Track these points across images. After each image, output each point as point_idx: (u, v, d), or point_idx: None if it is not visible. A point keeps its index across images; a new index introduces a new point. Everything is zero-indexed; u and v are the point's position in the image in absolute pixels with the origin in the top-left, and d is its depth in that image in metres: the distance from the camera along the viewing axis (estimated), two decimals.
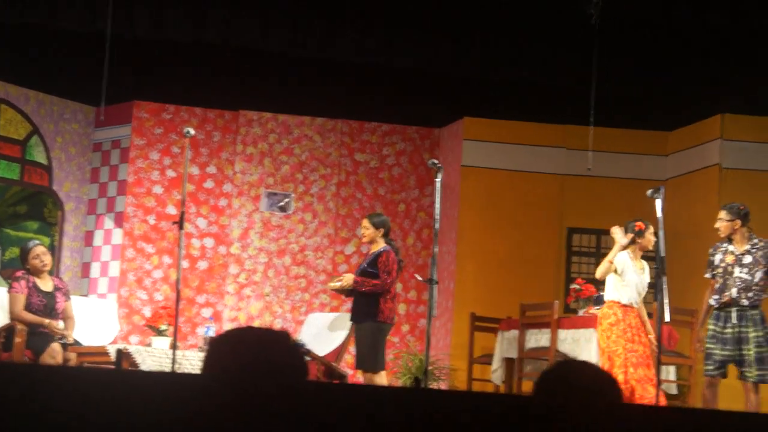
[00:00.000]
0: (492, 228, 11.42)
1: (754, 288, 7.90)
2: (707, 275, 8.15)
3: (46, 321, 8.68)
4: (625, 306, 8.16)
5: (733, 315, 7.91)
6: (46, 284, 8.98)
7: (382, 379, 8.38)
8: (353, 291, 8.65)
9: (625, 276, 8.14)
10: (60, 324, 8.79)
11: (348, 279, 8.62)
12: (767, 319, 7.95)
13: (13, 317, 8.66)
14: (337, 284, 8.77)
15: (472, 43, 9.81)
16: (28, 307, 8.76)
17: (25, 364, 6.86)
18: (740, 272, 7.95)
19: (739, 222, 8.03)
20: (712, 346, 7.96)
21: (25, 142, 11.66)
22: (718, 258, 8.07)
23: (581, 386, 2.72)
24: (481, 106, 11.46)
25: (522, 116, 11.50)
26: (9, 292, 8.76)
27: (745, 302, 7.89)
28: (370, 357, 8.40)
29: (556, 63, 9.98)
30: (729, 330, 7.91)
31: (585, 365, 2.92)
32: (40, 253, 9.06)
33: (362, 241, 9.28)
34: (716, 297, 8.02)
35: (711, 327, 8.00)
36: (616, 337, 8.08)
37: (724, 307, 7.95)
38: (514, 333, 9.74)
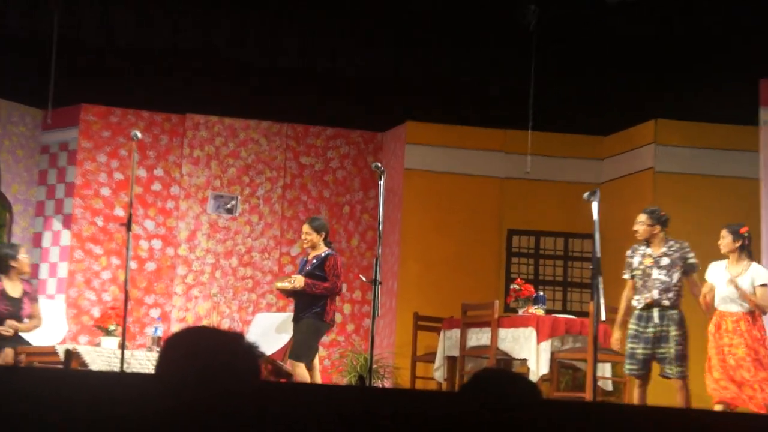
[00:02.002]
0: (434, 230, 11.46)
1: (673, 289, 8.06)
2: (626, 276, 8.29)
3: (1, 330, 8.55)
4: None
5: (655, 315, 8.05)
6: (15, 289, 8.87)
7: (302, 370, 8.45)
8: (297, 292, 8.71)
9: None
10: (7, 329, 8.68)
11: (299, 280, 8.66)
12: (685, 318, 8.12)
13: None
14: (287, 285, 8.80)
15: (414, 50, 9.85)
16: None
17: None
18: (659, 274, 8.10)
19: (658, 227, 8.18)
20: (634, 345, 8.10)
21: None
22: (636, 260, 8.21)
23: (500, 392, 2.79)
24: (423, 111, 11.49)
25: (463, 121, 11.54)
26: None
27: (666, 303, 8.05)
28: (302, 347, 8.53)
29: (496, 69, 10.04)
30: (650, 329, 8.05)
31: (507, 374, 2.99)
32: (26, 256, 9.01)
33: (304, 247, 9.31)
34: (638, 298, 8.16)
35: (633, 327, 8.13)
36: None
37: (647, 308, 8.09)
38: (456, 332, 9.78)
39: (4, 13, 9.09)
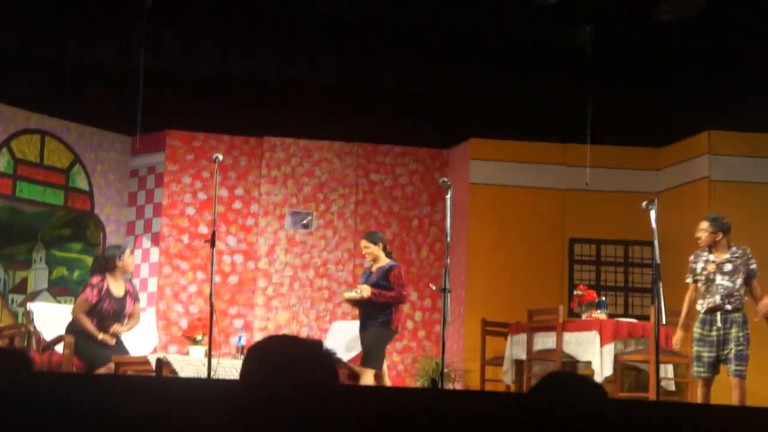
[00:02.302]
0: (499, 240, 11.41)
1: (735, 294, 7.92)
2: (688, 280, 8.16)
3: (100, 336, 8.61)
4: None
5: (718, 319, 7.93)
6: (119, 289, 8.92)
7: (370, 377, 8.44)
8: (363, 302, 8.72)
9: None
10: (109, 336, 8.75)
11: (366, 290, 8.66)
12: (748, 321, 7.98)
13: (74, 317, 8.61)
14: (354, 294, 8.81)
15: (478, 70, 9.83)
16: (99, 312, 8.66)
17: (76, 373, 6.92)
18: (722, 280, 7.96)
19: (721, 234, 8.04)
20: (699, 348, 7.98)
21: (68, 170, 11.72)
22: (699, 266, 8.08)
23: (566, 394, 2.75)
24: (486, 128, 11.46)
25: (524, 136, 11.48)
26: (81, 294, 8.69)
27: (729, 307, 7.91)
28: (370, 354, 8.52)
29: (555, 87, 9.98)
30: (714, 333, 7.93)
31: (573, 376, 2.95)
32: (131, 256, 9.08)
33: (366, 260, 9.31)
34: (701, 302, 8.04)
35: (698, 331, 8.02)
36: None
37: (710, 312, 7.97)
38: (522, 336, 9.73)
39: (95, 47, 9.22)
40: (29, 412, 2.12)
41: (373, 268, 8.93)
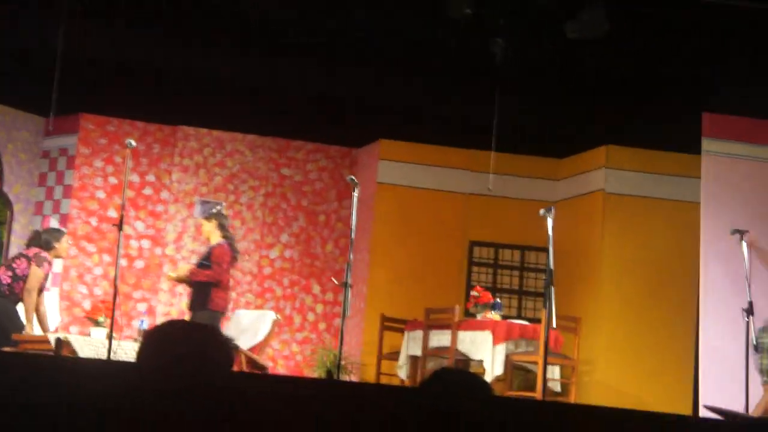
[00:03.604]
0: (402, 239, 11.46)
1: None
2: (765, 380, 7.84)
3: (27, 327, 8.37)
4: None
5: None
6: None
7: None
8: (186, 281, 8.64)
9: None
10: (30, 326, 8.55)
11: (183, 269, 8.61)
12: None
13: (29, 288, 8.34)
14: (172, 274, 8.77)
15: (390, 73, 9.85)
16: (40, 287, 8.48)
17: None
18: None
19: None
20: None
21: None
22: None
23: (456, 389, 2.79)
24: (396, 130, 11.50)
25: (432, 140, 11.55)
26: (39, 267, 8.42)
27: None
28: None
29: (463, 95, 10.04)
30: None
31: (462, 373, 2.99)
32: (66, 243, 8.87)
33: (203, 238, 9.14)
34: None
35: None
36: None
37: None
38: (419, 333, 9.78)
39: (12, 26, 9.02)
40: None
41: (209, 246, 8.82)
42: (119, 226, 7.62)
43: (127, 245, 11.46)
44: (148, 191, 11.78)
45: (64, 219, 11.53)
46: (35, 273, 8.40)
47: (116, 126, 11.79)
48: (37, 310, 8.50)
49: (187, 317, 8.48)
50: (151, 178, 11.81)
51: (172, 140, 11.90)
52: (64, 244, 8.78)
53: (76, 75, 9.72)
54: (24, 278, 8.39)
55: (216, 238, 8.66)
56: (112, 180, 11.69)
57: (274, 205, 12.01)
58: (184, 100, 11.15)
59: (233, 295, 11.67)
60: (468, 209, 11.62)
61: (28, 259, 8.46)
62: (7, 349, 8.05)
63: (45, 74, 9.25)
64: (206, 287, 8.41)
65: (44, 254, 8.53)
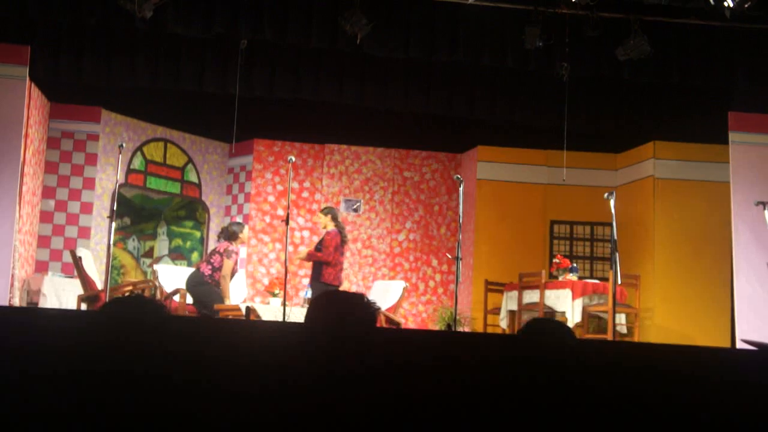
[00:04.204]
0: (498, 221, 11.37)
1: None
2: None
3: (227, 302, 8.50)
4: None
5: None
6: None
7: None
8: (307, 261, 8.56)
9: None
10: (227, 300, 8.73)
11: (303, 252, 8.61)
12: None
13: (223, 275, 8.43)
14: (294, 255, 8.79)
15: (485, 95, 9.78)
16: (232, 272, 8.57)
17: (192, 317, 6.97)
18: None
19: None
20: None
21: (183, 168, 11.80)
22: None
23: (546, 333, 2.76)
24: (490, 138, 11.41)
25: (518, 144, 11.43)
26: (229, 259, 8.51)
27: None
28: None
29: (539, 107, 9.91)
30: None
31: (552, 321, 2.95)
32: (247, 233, 8.93)
33: (320, 228, 9.04)
34: None
35: None
36: None
37: None
38: (515, 293, 9.70)
39: (203, 77, 9.25)
40: (168, 348, 2.15)
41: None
42: (286, 221, 7.75)
43: (292, 235, 11.66)
44: (305, 194, 11.96)
45: (246, 218, 11.81)
46: (227, 263, 8.60)
47: (280, 147, 11.99)
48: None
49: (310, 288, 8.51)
50: (307, 184, 11.98)
51: (321, 155, 12.05)
52: (245, 233, 8.93)
53: (250, 110, 9.94)
54: (220, 268, 8.59)
55: (330, 227, 8.69)
56: (279, 187, 11.90)
57: (399, 201, 12.04)
58: (329, 125, 11.28)
59: (372, 269, 11.76)
60: (547, 196, 11.47)
61: (221, 254, 8.65)
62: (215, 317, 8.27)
63: (227, 111, 9.47)
64: (319, 265, 8.44)
65: (231, 247, 8.66)
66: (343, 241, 8.65)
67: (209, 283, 8.55)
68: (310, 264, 8.90)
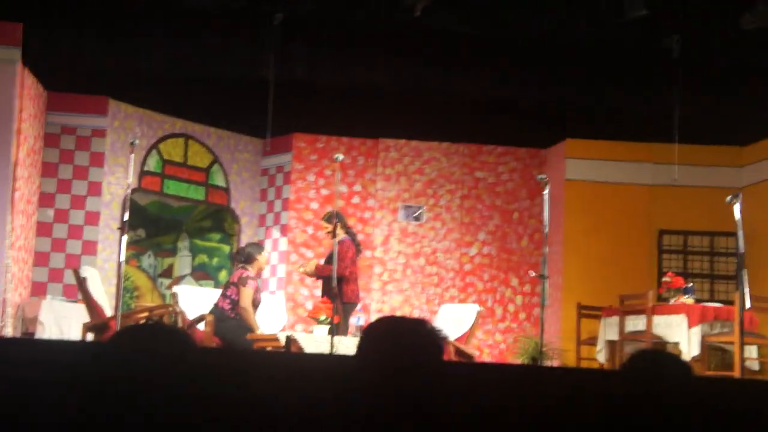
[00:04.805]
0: (593, 231, 11.26)
1: None
2: None
3: (258, 331, 8.65)
4: None
5: None
6: None
7: None
8: (315, 275, 8.62)
9: None
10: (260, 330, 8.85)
11: (311, 265, 8.59)
12: None
13: (244, 307, 8.61)
14: (301, 270, 8.78)
15: (573, 76, 9.70)
16: (253, 302, 8.73)
17: (221, 349, 7.04)
18: None
19: None
20: None
21: (208, 169, 11.95)
22: None
23: (655, 370, 2.69)
24: (581, 129, 11.32)
25: (615, 136, 11.32)
26: (245, 287, 8.68)
27: None
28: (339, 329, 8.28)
29: (644, 90, 9.79)
30: None
31: (662, 353, 2.88)
32: (265, 256, 9.11)
33: (329, 237, 8.94)
34: None
35: None
36: None
37: None
38: (615, 319, 9.57)
39: (231, 60, 9.36)
40: (193, 384, 2.16)
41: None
42: (333, 233, 7.78)
43: (348, 250, 11.66)
44: (356, 200, 12.00)
45: (284, 229, 11.89)
46: (244, 293, 8.69)
47: (324, 143, 12.06)
48: None
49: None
50: (357, 187, 12.02)
51: (374, 152, 12.08)
52: (263, 257, 9.02)
53: (288, 99, 10.01)
54: (239, 301, 8.71)
55: (340, 235, 8.70)
56: (324, 192, 11.97)
57: (470, 206, 12.01)
58: (383, 114, 11.31)
59: (439, 290, 11.74)
60: (654, 199, 11.33)
61: (235, 285, 8.76)
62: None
63: (261, 100, 9.56)
64: (338, 281, 8.46)
65: (246, 274, 8.76)
66: (358, 251, 8.71)
67: (233, 317, 8.66)
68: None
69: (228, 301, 8.72)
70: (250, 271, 8.82)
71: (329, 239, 8.92)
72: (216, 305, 8.78)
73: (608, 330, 9.72)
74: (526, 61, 9.56)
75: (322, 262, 9.11)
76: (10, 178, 9.19)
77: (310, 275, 8.90)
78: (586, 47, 9.34)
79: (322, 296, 8.61)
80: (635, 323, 9.31)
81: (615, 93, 9.83)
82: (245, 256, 8.92)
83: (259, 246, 9.14)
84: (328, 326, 8.06)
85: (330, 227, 8.74)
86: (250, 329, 8.60)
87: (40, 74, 10.22)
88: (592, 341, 10.10)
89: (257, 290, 8.84)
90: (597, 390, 2.25)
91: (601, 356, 9.80)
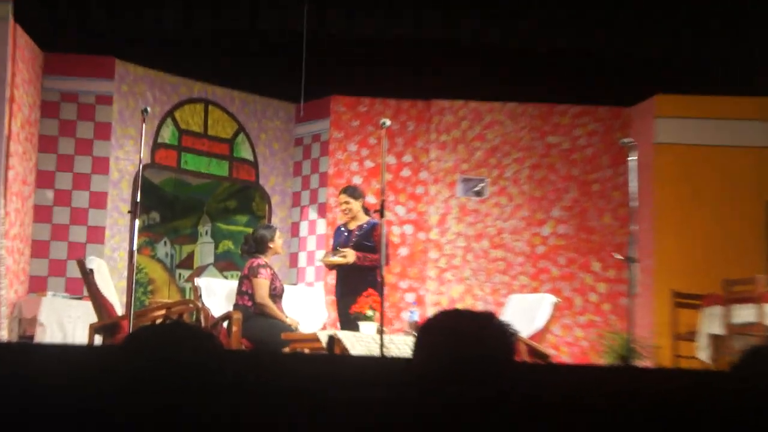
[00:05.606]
0: (689, 204, 11.17)
1: None
2: None
3: (288, 320, 8.79)
4: None
5: None
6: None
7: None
8: (345, 266, 8.63)
9: None
10: (297, 322, 8.93)
11: (350, 254, 8.60)
12: None
13: (260, 302, 8.80)
14: (337, 259, 8.74)
15: (660, 20, 9.59)
16: (272, 292, 8.86)
17: (252, 352, 7.09)
18: None
19: None
20: None
21: (232, 140, 12.02)
22: None
23: None
24: (672, 83, 11.20)
25: (715, 90, 11.19)
26: (257, 278, 8.83)
27: None
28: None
29: (747, 35, 9.66)
30: None
31: None
32: (281, 238, 9.23)
33: (347, 217, 8.99)
34: None
35: None
36: None
37: None
38: (718, 309, 9.49)
39: (256, 13, 9.39)
40: (220, 394, 2.17)
41: (351, 226, 8.83)
42: (380, 212, 7.77)
43: (389, 232, 11.71)
44: (406, 173, 12.00)
45: (322, 209, 11.93)
46: (259, 285, 8.76)
47: (368, 106, 12.07)
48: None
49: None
50: (408, 158, 12.02)
51: (426, 116, 12.06)
52: (278, 241, 9.08)
53: (324, 56, 10.02)
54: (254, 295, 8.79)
55: (364, 217, 8.78)
56: (368, 163, 11.98)
57: (541, 178, 11.96)
58: (435, 71, 11.27)
59: (506, 278, 11.71)
60: (763, 165, 11.20)
61: (248, 278, 8.84)
62: (285, 349, 8.39)
63: (292, 58, 9.58)
64: (372, 270, 8.47)
65: (256, 263, 8.85)
66: None
67: (258, 314, 8.75)
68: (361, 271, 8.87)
69: (246, 297, 8.81)
70: (262, 258, 8.90)
71: (346, 217, 8.96)
72: (236, 304, 8.87)
73: (710, 322, 9.64)
74: (603, 5, 9.47)
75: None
76: (2, 155, 9.30)
77: (339, 266, 8.89)
78: None
79: (367, 288, 8.64)
80: (744, 314, 9.23)
81: (713, 38, 9.71)
82: (256, 244, 8.99)
83: (270, 228, 9.20)
84: (376, 323, 8.08)
85: (356, 204, 8.76)
86: (282, 326, 8.66)
87: (35, 32, 10.32)
88: (691, 336, 10.03)
89: (274, 277, 8.91)
90: (700, 395, 2.22)
91: (702, 354, 9.73)
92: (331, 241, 9.29)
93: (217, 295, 9.44)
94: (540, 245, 11.79)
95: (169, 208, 11.69)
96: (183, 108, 11.70)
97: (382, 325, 7.70)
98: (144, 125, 7.98)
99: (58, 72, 10.89)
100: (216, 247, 11.93)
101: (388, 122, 8.05)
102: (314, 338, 8.27)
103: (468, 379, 2.30)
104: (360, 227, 8.83)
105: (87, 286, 8.84)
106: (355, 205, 8.88)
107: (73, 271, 10.17)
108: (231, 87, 11.99)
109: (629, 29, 9.70)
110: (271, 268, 8.94)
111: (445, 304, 11.51)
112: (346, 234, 8.94)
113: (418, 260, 11.81)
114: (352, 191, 8.99)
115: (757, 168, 11.21)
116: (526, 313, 9.48)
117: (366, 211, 8.89)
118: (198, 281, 9.72)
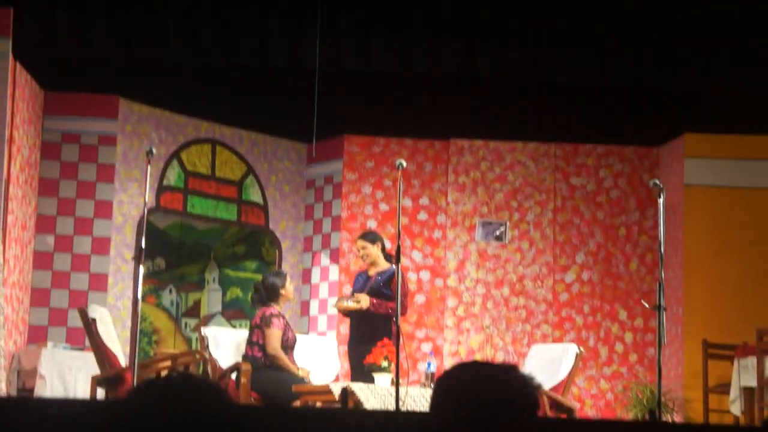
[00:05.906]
0: (721, 249, 11.14)
1: None
2: None
3: (300, 372, 8.78)
4: None
5: None
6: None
7: None
8: (359, 313, 8.63)
9: None
10: (308, 372, 8.94)
11: (365, 300, 8.62)
12: None
13: (272, 353, 8.77)
14: (351, 304, 8.76)
15: (690, 57, 9.63)
16: (285, 343, 8.85)
17: (261, 406, 7.07)
18: None
19: None
20: None
21: (240, 182, 12.05)
22: None
23: None
24: (703, 122, 11.22)
25: (748, 130, 11.20)
26: (270, 328, 8.82)
27: None
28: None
29: None
30: None
31: None
32: (291, 285, 9.26)
33: (365, 263, 9.07)
34: None
35: None
36: None
37: None
38: (752, 360, 9.47)
39: (266, 49, 9.45)
40: None
41: (371, 272, 8.87)
42: (396, 258, 7.80)
43: (407, 279, 11.70)
44: (422, 216, 12.02)
45: (335, 254, 11.93)
46: (271, 335, 8.76)
47: (382, 146, 12.10)
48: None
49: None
50: (425, 201, 12.04)
51: (444, 156, 12.09)
52: (289, 287, 9.09)
53: (336, 94, 10.07)
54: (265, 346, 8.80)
55: (384, 263, 8.83)
56: (383, 206, 12.00)
57: (565, 221, 11.96)
58: (454, 108, 11.31)
59: (528, 327, 11.69)
60: None
61: (260, 328, 8.84)
62: (296, 402, 8.39)
63: (303, 97, 9.63)
64: (387, 319, 8.55)
65: (269, 312, 8.85)
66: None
67: (268, 366, 8.75)
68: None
69: (257, 347, 8.81)
70: (275, 307, 8.91)
71: (365, 264, 9.02)
72: (246, 355, 8.87)
73: (744, 374, 9.60)
74: (629, 42, 9.52)
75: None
76: (1, 198, 9.35)
77: (352, 313, 8.92)
78: (705, 25, 9.28)
79: (382, 338, 8.65)
80: None
81: (745, 76, 9.74)
82: (267, 292, 9.00)
83: (280, 274, 9.20)
84: (391, 375, 8.07)
85: (374, 249, 8.81)
86: (294, 378, 8.65)
87: (36, 70, 10.41)
88: (723, 389, 9.99)
89: (287, 328, 8.91)
90: None
91: (735, 407, 9.69)
92: (349, 288, 9.31)
93: (225, 345, 9.44)
94: (563, 292, 11.78)
95: (175, 254, 11.72)
96: (189, 149, 11.75)
97: (397, 377, 7.69)
98: (149, 167, 8.02)
99: (59, 111, 10.96)
100: (224, 295, 11.94)
101: (404, 163, 8.08)
102: (327, 390, 8.26)
103: None
104: (379, 273, 8.86)
105: (89, 336, 8.87)
106: (373, 250, 8.91)
107: (75, 320, 10.20)
108: (240, 126, 12.04)
109: (657, 66, 9.74)
110: (284, 318, 8.94)
111: (464, 355, 11.49)
112: (363, 280, 8.97)
113: (435, 308, 11.80)
114: (369, 236, 9.03)
115: None
116: (549, 365, 9.46)
117: (388, 257, 8.93)
118: (205, 331, 9.73)
